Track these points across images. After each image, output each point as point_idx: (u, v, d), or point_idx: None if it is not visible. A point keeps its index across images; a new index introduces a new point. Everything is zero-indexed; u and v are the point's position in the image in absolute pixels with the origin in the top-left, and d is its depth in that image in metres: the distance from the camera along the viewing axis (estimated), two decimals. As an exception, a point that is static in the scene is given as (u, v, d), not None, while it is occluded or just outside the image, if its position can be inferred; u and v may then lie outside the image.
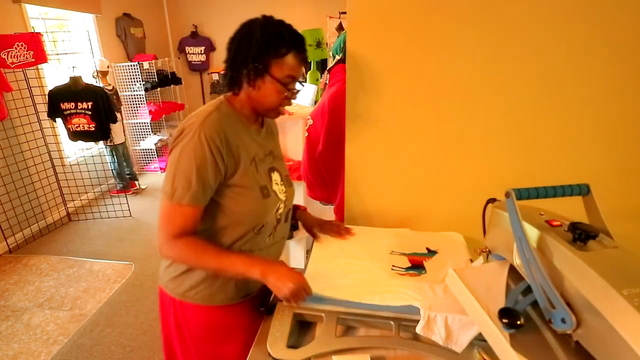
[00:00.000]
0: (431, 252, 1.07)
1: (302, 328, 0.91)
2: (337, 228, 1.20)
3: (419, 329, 0.80)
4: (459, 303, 0.82)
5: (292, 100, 0.97)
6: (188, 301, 1.02)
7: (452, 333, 0.79)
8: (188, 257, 0.92)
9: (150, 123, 4.97)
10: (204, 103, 1.08)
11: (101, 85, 4.01)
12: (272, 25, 0.89)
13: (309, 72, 2.80)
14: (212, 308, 1.03)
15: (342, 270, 0.98)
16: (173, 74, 5.58)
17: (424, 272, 0.97)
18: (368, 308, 0.86)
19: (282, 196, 1.02)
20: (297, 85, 0.95)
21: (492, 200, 0.86)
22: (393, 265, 1.00)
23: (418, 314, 0.81)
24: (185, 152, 0.86)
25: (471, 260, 1.03)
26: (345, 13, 1.15)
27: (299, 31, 0.93)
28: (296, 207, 1.25)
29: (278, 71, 0.89)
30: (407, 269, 0.99)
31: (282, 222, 1.07)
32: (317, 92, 2.56)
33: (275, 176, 1.03)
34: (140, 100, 4.82)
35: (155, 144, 5.09)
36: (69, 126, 3.55)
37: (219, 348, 1.08)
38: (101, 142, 4.08)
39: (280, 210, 1.03)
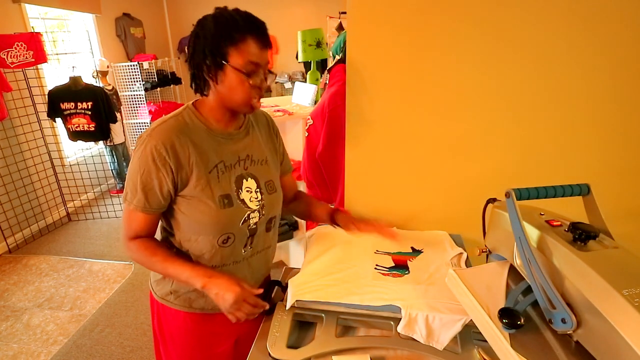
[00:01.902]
0: (416, 252, 1.07)
1: (302, 328, 0.91)
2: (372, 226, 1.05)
3: (400, 328, 0.80)
4: (439, 302, 0.82)
5: (266, 92, 0.91)
6: (169, 305, 1.01)
7: (433, 332, 0.79)
8: (139, 258, 0.92)
9: (150, 123, 4.97)
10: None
11: (101, 85, 4.01)
12: (225, 14, 0.84)
13: (309, 72, 2.80)
14: (191, 314, 1.00)
15: (325, 271, 0.97)
16: (173, 74, 5.58)
17: (407, 272, 0.96)
18: (349, 307, 0.86)
19: (253, 205, 0.95)
20: (264, 74, 0.87)
21: (492, 200, 0.86)
22: (376, 265, 1.00)
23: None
24: (134, 160, 0.87)
25: (467, 261, 1.02)
26: (345, 13, 1.15)
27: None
28: (336, 210, 1.13)
29: (237, 59, 0.82)
30: (390, 269, 0.98)
31: (262, 231, 1.00)
32: (317, 92, 2.57)
33: (249, 183, 0.96)
34: (140, 100, 4.82)
35: (155, 144, 5.08)
36: (69, 126, 3.55)
37: (203, 352, 1.06)
38: (101, 142, 4.08)
39: (254, 220, 0.96)
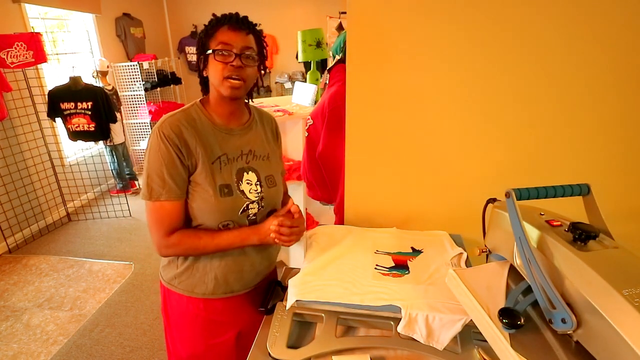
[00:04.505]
0: (416, 252, 1.07)
1: (302, 328, 0.91)
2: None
3: (400, 328, 0.80)
4: (439, 302, 0.82)
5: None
6: (173, 289, 1.06)
7: (433, 332, 0.79)
8: (186, 248, 0.97)
9: (150, 123, 4.97)
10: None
11: (101, 85, 4.01)
12: (211, 19, 0.96)
13: (309, 72, 2.80)
14: (193, 299, 1.05)
15: (325, 271, 0.97)
16: (173, 74, 5.58)
17: (407, 272, 0.96)
18: (349, 307, 0.86)
19: (252, 196, 1.02)
20: (238, 55, 0.92)
21: (492, 200, 0.86)
22: (377, 265, 1.00)
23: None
24: (152, 153, 0.92)
25: (467, 261, 1.02)
26: (345, 13, 1.15)
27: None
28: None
29: (212, 45, 0.93)
30: (391, 269, 0.98)
31: (260, 223, 1.05)
32: (317, 92, 2.56)
33: (250, 176, 1.02)
34: (140, 100, 4.82)
35: (155, 144, 5.09)
36: (69, 126, 3.55)
37: (205, 340, 1.10)
38: (101, 142, 4.08)
39: (254, 211, 1.02)
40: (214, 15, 0.96)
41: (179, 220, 0.96)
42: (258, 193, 1.03)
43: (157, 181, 0.92)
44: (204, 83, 1.01)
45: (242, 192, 1.00)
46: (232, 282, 1.06)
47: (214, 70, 0.93)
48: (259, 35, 0.98)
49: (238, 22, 0.93)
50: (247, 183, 1.01)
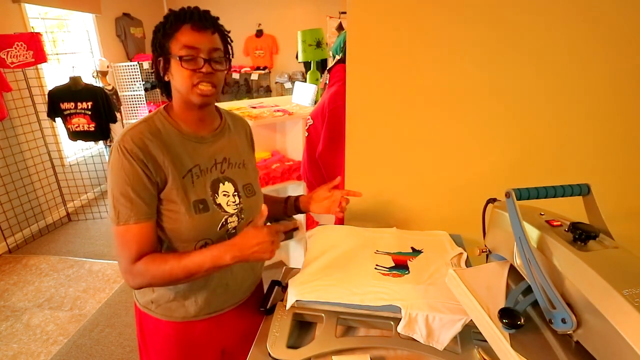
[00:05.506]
0: (416, 252, 1.07)
1: (302, 328, 0.91)
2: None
3: (400, 328, 0.80)
4: (439, 302, 0.82)
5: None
6: (150, 314, 0.98)
7: (433, 332, 0.79)
8: (153, 276, 0.84)
9: (150, 123, 4.96)
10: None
11: (101, 85, 4.01)
12: (167, 15, 0.85)
13: (309, 72, 2.80)
14: (172, 323, 0.98)
15: (325, 271, 0.97)
16: (173, 74, 5.57)
17: (407, 272, 0.96)
18: (349, 307, 0.86)
19: (230, 209, 0.93)
20: (206, 58, 0.84)
21: (492, 200, 0.86)
22: (377, 265, 0.99)
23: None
24: (115, 172, 0.82)
25: (467, 261, 1.02)
26: (345, 13, 1.15)
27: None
28: (296, 198, 1.15)
29: (175, 48, 0.83)
30: (391, 268, 0.98)
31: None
32: (317, 92, 2.57)
33: (226, 187, 0.94)
34: (140, 100, 4.81)
35: (155, 144, 5.08)
36: (69, 126, 3.55)
37: None
38: (101, 142, 4.08)
39: (234, 224, 0.94)
40: (170, 10, 0.85)
41: (149, 244, 0.85)
42: (237, 205, 0.95)
43: (123, 202, 0.81)
44: (166, 87, 0.91)
45: (219, 205, 0.91)
46: (215, 304, 0.99)
47: (181, 78, 0.84)
48: (223, 33, 0.89)
49: (202, 20, 0.83)
50: (224, 195, 0.93)
